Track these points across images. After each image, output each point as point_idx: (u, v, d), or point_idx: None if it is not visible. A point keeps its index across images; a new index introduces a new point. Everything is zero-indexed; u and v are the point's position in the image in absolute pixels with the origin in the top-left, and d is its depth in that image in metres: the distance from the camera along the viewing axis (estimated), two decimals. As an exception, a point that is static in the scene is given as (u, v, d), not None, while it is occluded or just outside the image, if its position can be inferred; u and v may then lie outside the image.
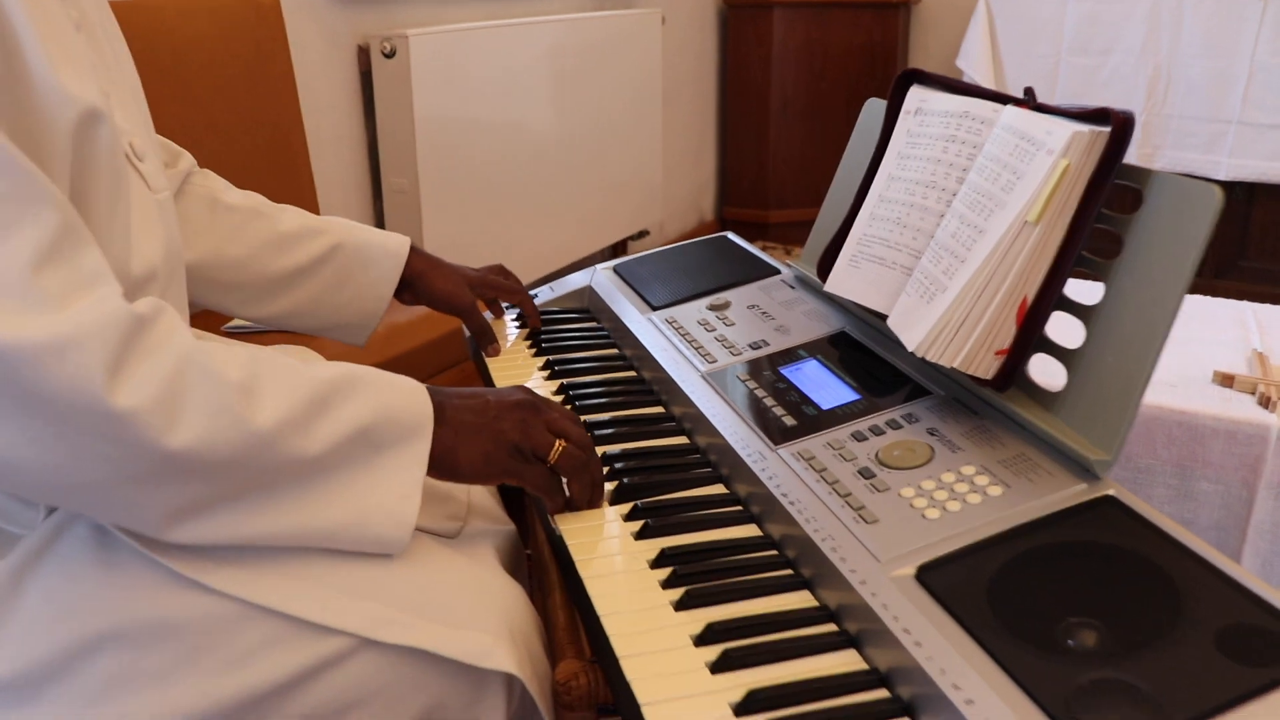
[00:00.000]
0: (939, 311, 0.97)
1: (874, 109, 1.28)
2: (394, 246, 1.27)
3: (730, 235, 1.59)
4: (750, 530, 0.95)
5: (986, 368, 0.95)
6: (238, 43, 1.96)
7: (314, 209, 2.09)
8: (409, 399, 0.89)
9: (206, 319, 1.67)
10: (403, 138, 2.47)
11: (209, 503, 0.79)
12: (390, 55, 2.40)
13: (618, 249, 3.55)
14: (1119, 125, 0.89)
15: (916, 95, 1.15)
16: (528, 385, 1.26)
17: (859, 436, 0.98)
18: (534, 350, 1.36)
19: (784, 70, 3.99)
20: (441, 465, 0.91)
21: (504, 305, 1.47)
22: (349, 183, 2.52)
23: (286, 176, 2.05)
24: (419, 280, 1.29)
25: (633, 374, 1.28)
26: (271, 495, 0.82)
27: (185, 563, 0.82)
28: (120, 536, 0.83)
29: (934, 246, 1.03)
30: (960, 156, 1.07)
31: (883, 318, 1.11)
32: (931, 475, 0.90)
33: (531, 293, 1.54)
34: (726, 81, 4.13)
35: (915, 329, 1.00)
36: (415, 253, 1.29)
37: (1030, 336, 0.94)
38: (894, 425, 0.99)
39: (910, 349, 0.98)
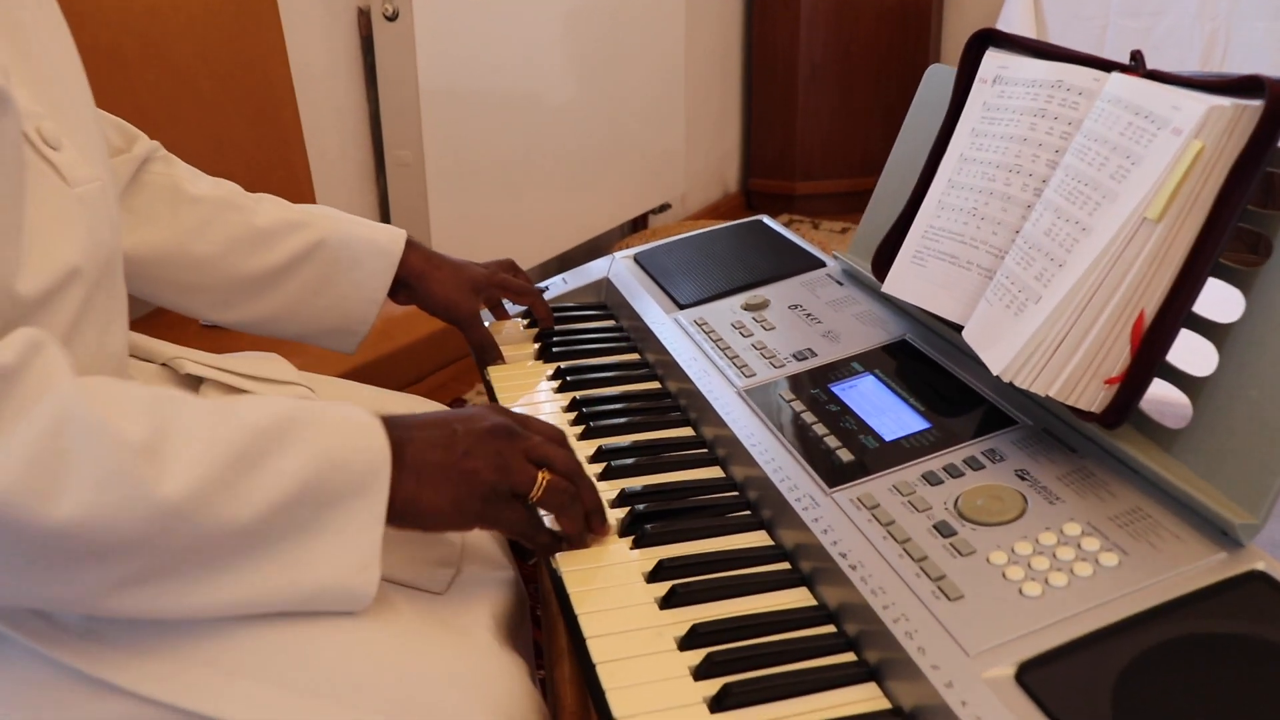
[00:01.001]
0: (1031, 327, 0.79)
1: (938, 77, 1.10)
2: (386, 242, 1.10)
3: (765, 219, 1.42)
4: (802, 597, 0.78)
5: (1091, 398, 0.78)
6: (221, 3, 1.79)
7: (307, 186, 1.93)
8: (360, 440, 0.72)
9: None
10: (407, 107, 2.29)
11: (139, 578, 0.64)
12: (393, 18, 2.22)
13: (638, 224, 3.36)
14: (1275, 98, 0.70)
15: (994, 60, 0.97)
16: (537, 400, 1.09)
17: (932, 479, 0.81)
18: (543, 355, 1.19)
19: (812, 35, 3.78)
20: (403, 516, 0.75)
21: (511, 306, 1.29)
22: (349, 156, 2.35)
23: (277, 151, 1.88)
24: (416, 282, 1.12)
25: (656, 385, 1.11)
26: (208, 569, 0.66)
27: (94, 660, 0.66)
28: (8, 633, 0.67)
29: (1021, 245, 0.85)
30: (1052, 135, 0.88)
31: (956, 328, 0.93)
32: (1026, 534, 0.73)
33: (544, 284, 1.37)
34: (752, 47, 3.92)
35: (1000, 347, 0.82)
36: (413, 249, 1.12)
37: (1149, 362, 0.76)
38: (974, 465, 0.81)
39: (995, 372, 0.81)
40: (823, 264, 1.23)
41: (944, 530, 0.75)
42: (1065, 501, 0.76)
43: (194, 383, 0.95)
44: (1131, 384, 0.76)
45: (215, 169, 1.81)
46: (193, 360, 0.96)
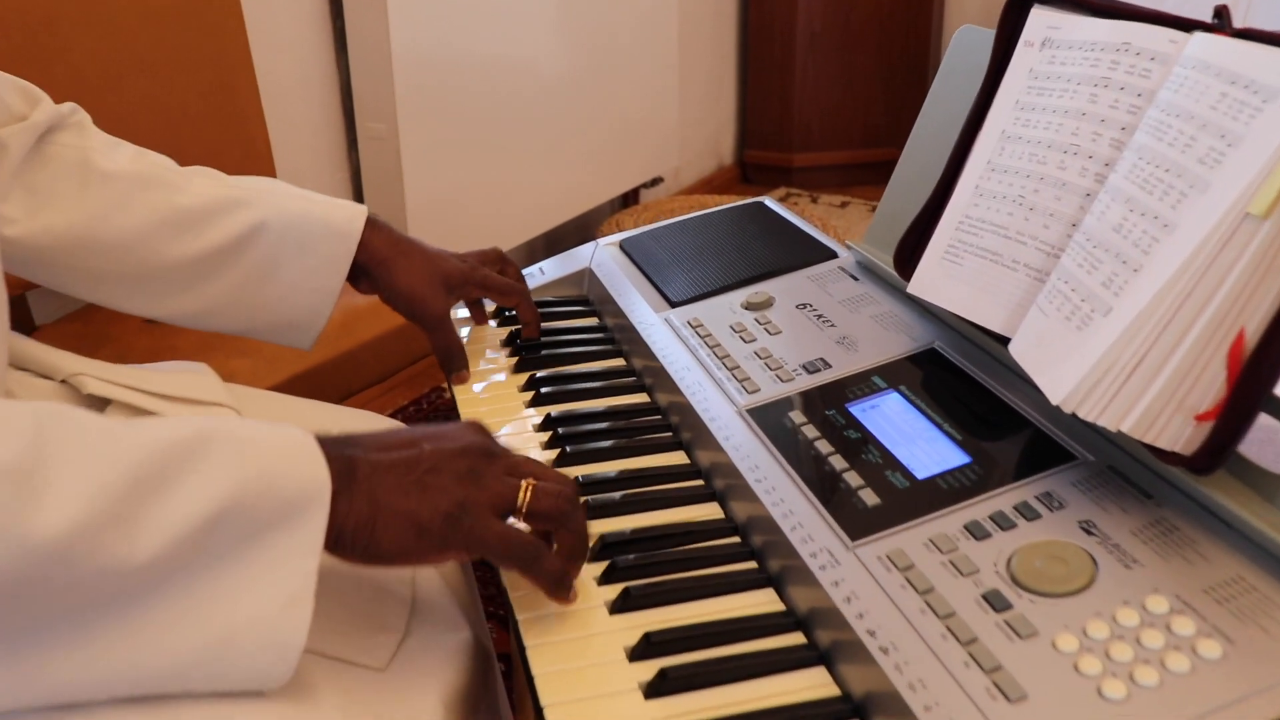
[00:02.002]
0: (1100, 346, 0.64)
1: (971, 39, 0.95)
2: (342, 222, 0.94)
3: (767, 201, 1.26)
4: (819, 681, 0.63)
5: (1176, 436, 0.63)
6: (166, -40, 1.62)
7: (267, 162, 1.77)
8: (290, 460, 0.59)
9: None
10: (379, 76, 2.14)
11: None
12: (362, -22, 2.06)
13: (628, 198, 3.21)
14: None
15: (1043, 19, 0.81)
16: (508, 423, 0.94)
17: (977, 531, 0.66)
18: (515, 360, 1.04)
19: (811, 0, 3.61)
20: (355, 545, 0.63)
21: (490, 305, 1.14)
22: (318, 129, 2.19)
23: (234, 124, 1.73)
24: (377, 269, 0.96)
25: (644, 398, 0.96)
26: (89, 625, 0.53)
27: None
28: None
29: (1082, 242, 0.71)
30: (1118, 109, 0.73)
31: (999, 339, 0.78)
32: (1099, 610, 0.59)
33: (526, 272, 1.22)
34: (748, 12, 3.74)
35: (1060, 369, 0.67)
36: (376, 230, 0.96)
37: (1252, 393, 0.61)
38: (1027, 513, 0.67)
39: (1055, 401, 0.66)
40: (834, 254, 1.08)
41: (996, 602, 0.60)
42: (1144, 565, 0.61)
43: (99, 404, 0.81)
44: (1229, 421, 0.61)
45: (163, 144, 1.65)
46: (97, 377, 0.81)
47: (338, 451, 0.62)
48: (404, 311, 0.98)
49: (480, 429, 0.71)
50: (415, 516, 0.63)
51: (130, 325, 1.44)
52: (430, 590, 0.78)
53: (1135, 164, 0.69)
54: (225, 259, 0.92)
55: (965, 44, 0.95)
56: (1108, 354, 0.64)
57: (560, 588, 0.68)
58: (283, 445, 0.60)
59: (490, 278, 1.03)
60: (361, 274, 0.97)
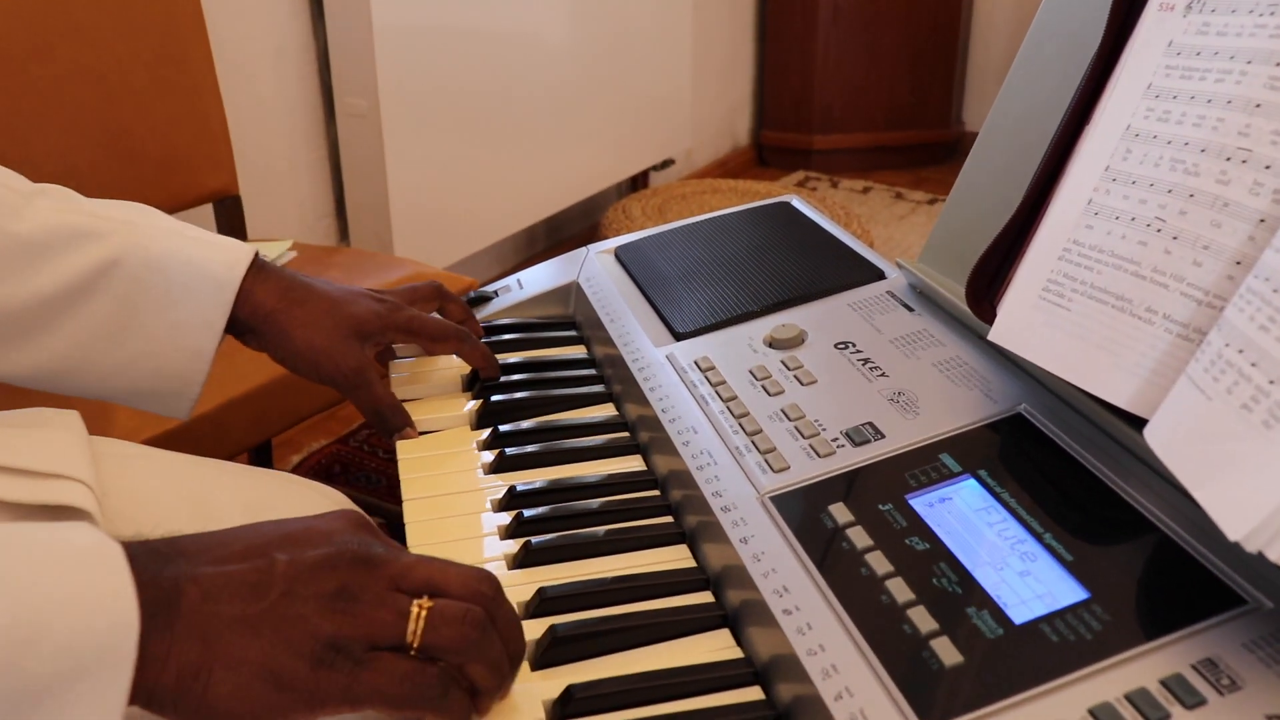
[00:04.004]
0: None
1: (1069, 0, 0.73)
2: (218, 268, 0.74)
3: (794, 201, 1.05)
4: None
5: None
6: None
7: (223, 143, 1.56)
8: (84, 593, 0.42)
9: None
10: (359, 46, 1.93)
11: None
12: (339, -64, 1.84)
13: (638, 182, 2.99)
14: None
15: (1185, -24, 0.60)
16: (463, 494, 0.73)
17: (1108, 719, 0.45)
18: (476, 406, 0.83)
19: (835, -30, 3.38)
20: (180, 707, 0.45)
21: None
22: (292, 105, 1.98)
23: (185, 99, 1.51)
24: (265, 326, 0.76)
25: (638, 465, 0.75)
26: None
27: None
28: None
29: (1258, 289, 0.49)
30: (1308, 101, 0.52)
31: (1125, 417, 0.57)
32: None
33: (491, 289, 1.01)
34: (768, -17, 3.52)
35: (1237, 483, 0.46)
36: (262, 276, 0.76)
37: None
38: (1185, 694, 0.45)
39: (1233, 535, 0.45)
40: (880, 274, 0.86)
41: None
42: (1384, 802, 0.40)
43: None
44: None
45: (101, 124, 1.43)
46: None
47: (151, 570, 0.45)
48: (306, 374, 0.77)
49: (355, 521, 0.52)
50: (269, 665, 0.46)
51: None
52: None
53: (1345, 181, 0.47)
54: (66, 305, 0.71)
55: (1065, 6, 0.73)
56: (1319, 469, 0.42)
57: None
58: (68, 571, 0.42)
59: (415, 320, 0.82)
60: (245, 331, 0.77)
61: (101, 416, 1.02)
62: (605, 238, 1.25)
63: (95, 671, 0.41)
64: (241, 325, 0.75)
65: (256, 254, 0.76)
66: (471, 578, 0.52)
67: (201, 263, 0.73)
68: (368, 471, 1.89)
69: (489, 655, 0.51)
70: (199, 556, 0.48)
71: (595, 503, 0.69)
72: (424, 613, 0.49)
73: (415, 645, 0.49)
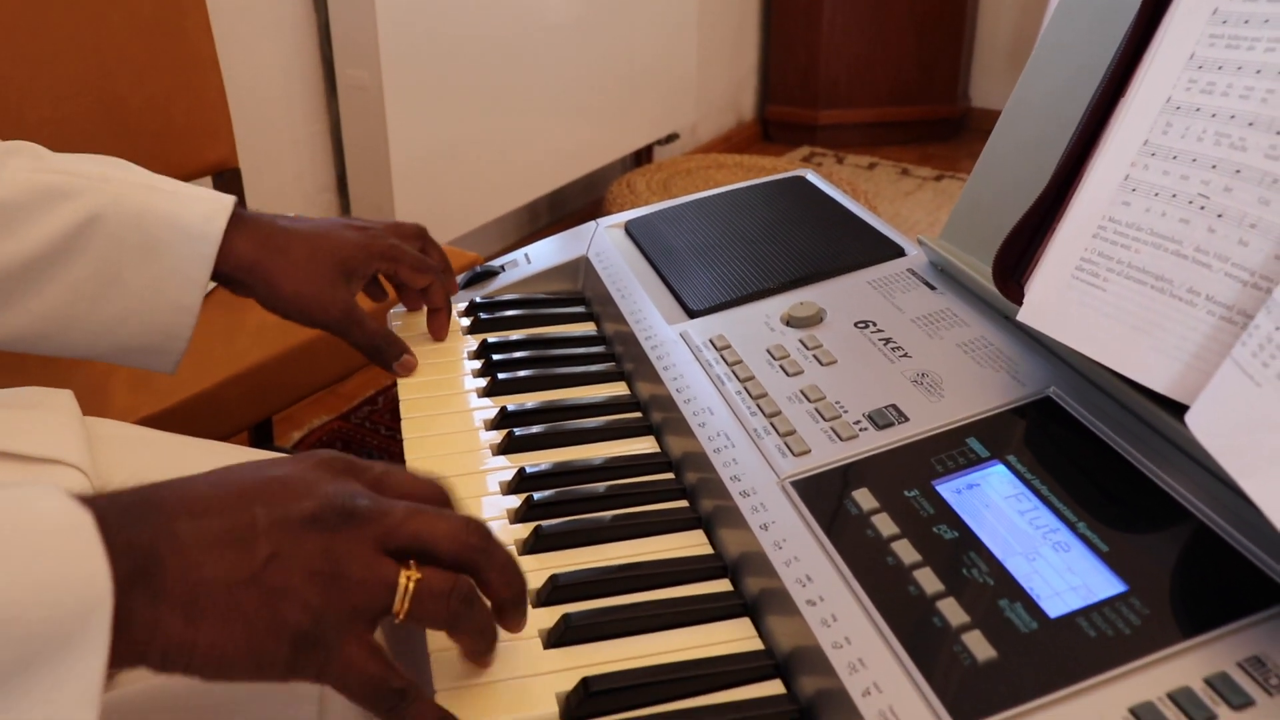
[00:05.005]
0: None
1: (1103, -28, 0.70)
2: (196, 220, 0.72)
3: (809, 176, 1.02)
4: None
5: None
6: None
7: (222, 115, 1.53)
8: (52, 572, 0.39)
9: None
10: (361, 18, 1.90)
11: None
12: (340, -98, 1.81)
13: (641, 156, 2.96)
14: None
15: (1230, -60, 0.57)
16: (472, 474, 0.71)
17: (1147, 719, 0.43)
18: (481, 373, 0.81)
19: (842, -60, 3.34)
20: (166, 668, 0.43)
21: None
22: (292, 77, 1.95)
23: (181, 71, 1.48)
24: (249, 277, 0.75)
25: (651, 446, 0.73)
26: None
27: None
28: None
29: (1313, 273, 0.47)
30: (1364, 71, 0.49)
31: (1162, 402, 0.55)
32: None
33: (498, 263, 0.99)
34: (774, -46, 3.47)
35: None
36: (242, 227, 0.75)
37: None
38: (1231, 694, 0.43)
39: (1286, 527, 0.43)
40: (900, 251, 0.84)
41: None
42: None
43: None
44: None
45: (93, 91, 1.40)
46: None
47: (126, 530, 0.42)
48: (297, 319, 0.77)
49: (337, 466, 0.50)
50: (251, 647, 0.44)
51: None
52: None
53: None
54: (46, 266, 0.70)
55: (1097, -26, 0.71)
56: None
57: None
58: (30, 542, 0.39)
59: (396, 248, 0.81)
60: (229, 281, 0.76)
61: (97, 395, 1.00)
62: (609, 213, 1.23)
63: (67, 652, 0.39)
64: (224, 277, 0.74)
65: (235, 203, 0.74)
66: (460, 529, 0.50)
67: (179, 217, 0.72)
68: (369, 448, 1.87)
69: (475, 625, 0.50)
70: (175, 510, 0.45)
71: (606, 486, 0.67)
72: (412, 586, 0.47)
73: (401, 618, 0.47)
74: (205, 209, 0.72)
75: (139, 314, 0.71)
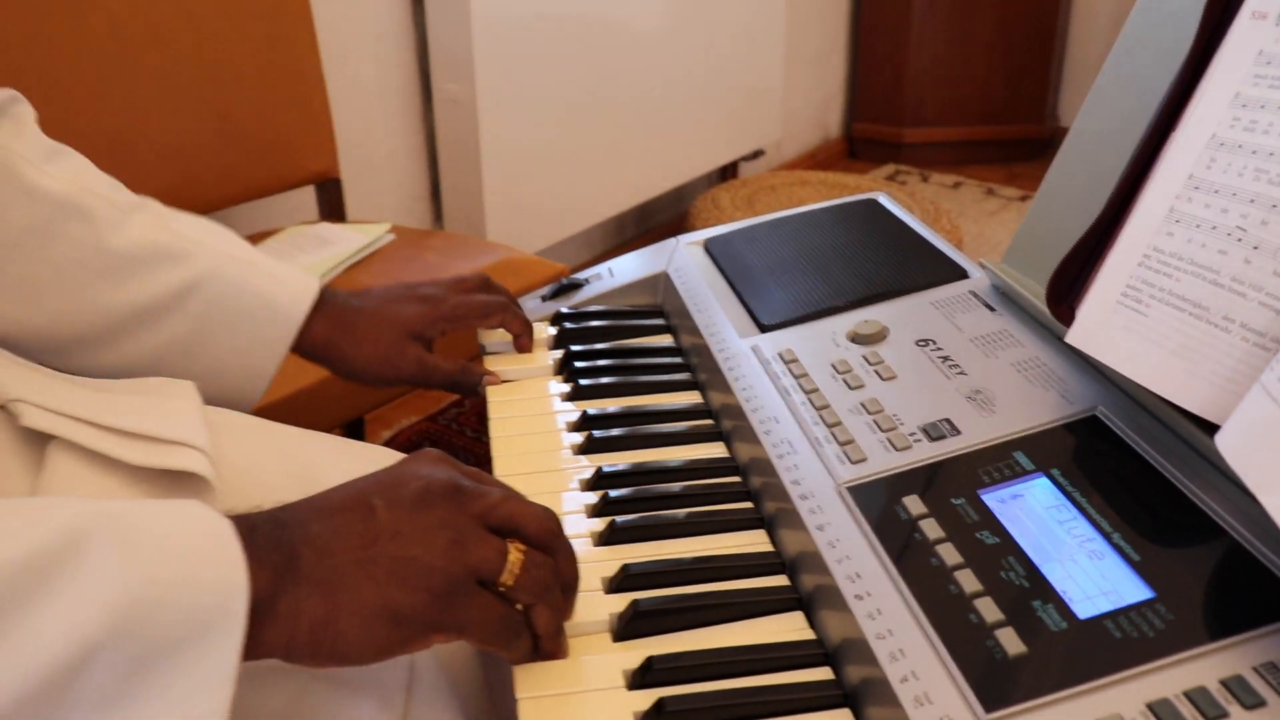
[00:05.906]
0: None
1: (1168, 1, 0.74)
2: (285, 301, 0.82)
3: (881, 198, 1.06)
4: None
5: None
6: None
7: (325, 125, 1.61)
8: (195, 559, 0.46)
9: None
10: (457, 34, 1.97)
11: None
12: (442, -74, 1.89)
13: (727, 172, 3.01)
14: None
15: (1278, -12, 0.60)
16: (552, 472, 0.76)
17: (1165, 716, 0.47)
18: (565, 380, 0.87)
19: (932, -42, 3.35)
20: (316, 653, 0.50)
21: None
22: (389, 90, 2.04)
23: (288, 82, 1.57)
24: (322, 355, 0.85)
25: (721, 451, 0.78)
26: None
27: None
28: None
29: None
30: (1395, 117, 0.52)
31: (1199, 423, 0.58)
32: None
33: (583, 275, 1.05)
34: (864, -27, 3.50)
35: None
36: (322, 308, 0.84)
37: None
38: (1245, 695, 0.47)
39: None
40: (964, 273, 0.88)
41: None
42: None
43: (40, 440, 0.65)
44: None
45: (210, 106, 1.49)
46: (40, 405, 0.65)
47: (270, 538, 0.50)
48: (374, 384, 0.86)
49: (436, 456, 0.58)
50: (388, 604, 0.51)
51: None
52: (429, 672, 0.62)
53: None
54: (148, 318, 0.78)
55: (1157, 8, 0.74)
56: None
57: (525, 660, 0.57)
58: (180, 539, 0.46)
59: (460, 306, 0.89)
60: (305, 355, 0.85)
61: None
62: (694, 227, 1.27)
63: (206, 636, 0.45)
64: (300, 350, 0.83)
65: (321, 291, 0.83)
66: (543, 516, 0.57)
67: (272, 297, 0.81)
68: (455, 448, 1.94)
69: (555, 602, 0.56)
70: (303, 516, 0.53)
71: (678, 486, 0.73)
72: (521, 557, 0.54)
73: (508, 585, 0.54)
74: (294, 292, 0.82)
75: (219, 374, 0.80)
